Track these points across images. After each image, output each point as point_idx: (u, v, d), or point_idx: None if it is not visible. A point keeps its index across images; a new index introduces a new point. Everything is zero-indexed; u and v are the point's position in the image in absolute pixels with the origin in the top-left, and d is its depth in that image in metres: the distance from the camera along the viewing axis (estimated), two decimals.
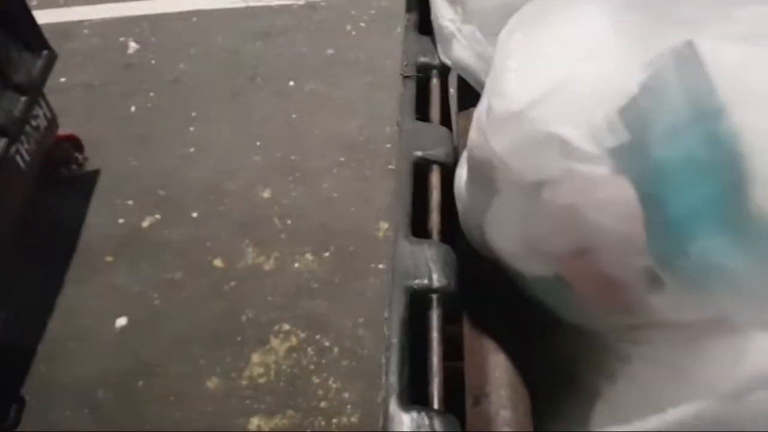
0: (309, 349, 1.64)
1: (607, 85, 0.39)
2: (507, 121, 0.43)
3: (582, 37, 0.41)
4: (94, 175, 2.06)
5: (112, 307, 1.74)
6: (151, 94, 2.33)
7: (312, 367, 1.61)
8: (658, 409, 0.41)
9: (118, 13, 2.65)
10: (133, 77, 2.40)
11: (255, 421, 1.54)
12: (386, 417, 0.47)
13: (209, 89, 2.32)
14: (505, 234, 0.46)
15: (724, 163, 0.35)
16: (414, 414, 0.46)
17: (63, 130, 1.93)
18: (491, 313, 0.58)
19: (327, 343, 1.64)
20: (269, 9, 2.61)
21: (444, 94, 0.71)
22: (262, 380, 1.60)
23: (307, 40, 2.46)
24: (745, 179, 0.34)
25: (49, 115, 1.84)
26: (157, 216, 1.95)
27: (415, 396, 0.49)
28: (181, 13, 2.62)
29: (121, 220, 1.95)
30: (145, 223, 1.94)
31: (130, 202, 1.99)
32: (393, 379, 0.48)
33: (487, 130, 0.44)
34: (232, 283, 1.78)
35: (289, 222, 1.91)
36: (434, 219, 0.58)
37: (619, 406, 0.45)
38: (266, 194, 1.99)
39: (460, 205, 0.56)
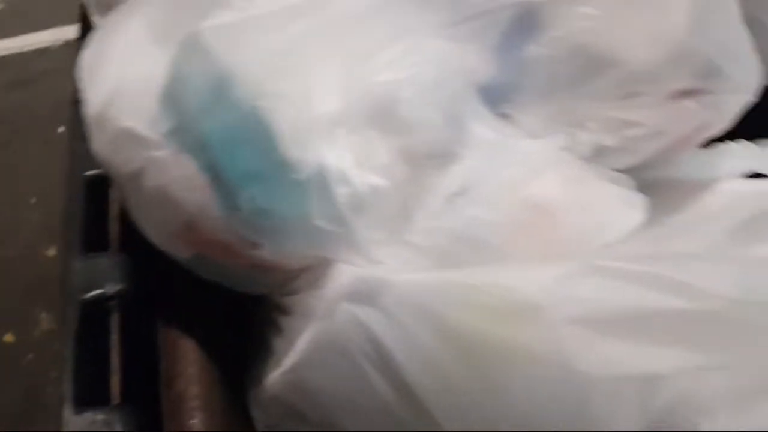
0: None
1: (151, 80, 0.45)
2: (93, 123, 0.48)
3: (126, 46, 0.48)
4: None
5: None
6: None
7: None
8: (291, 345, 0.47)
9: None
10: None
11: None
12: (62, 424, 0.48)
13: None
14: (144, 225, 0.51)
15: (250, 124, 0.42)
16: (87, 414, 0.49)
17: None
18: (184, 305, 0.61)
19: None
20: (22, 55, 2.44)
21: None
22: None
23: (74, 82, 2.34)
24: (270, 134, 0.41)
25: None
26: None
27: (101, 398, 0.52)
28: None
29: None
30: None
31: None
32: (66, 387, 0.50)
33: (88, 133, 0.49)
34: (30, 356, 1.65)
35: None
36: (111, 231, 0.61)
37: (279, 353, 0.51)
38: (52, 252, 1.86)
39: None
